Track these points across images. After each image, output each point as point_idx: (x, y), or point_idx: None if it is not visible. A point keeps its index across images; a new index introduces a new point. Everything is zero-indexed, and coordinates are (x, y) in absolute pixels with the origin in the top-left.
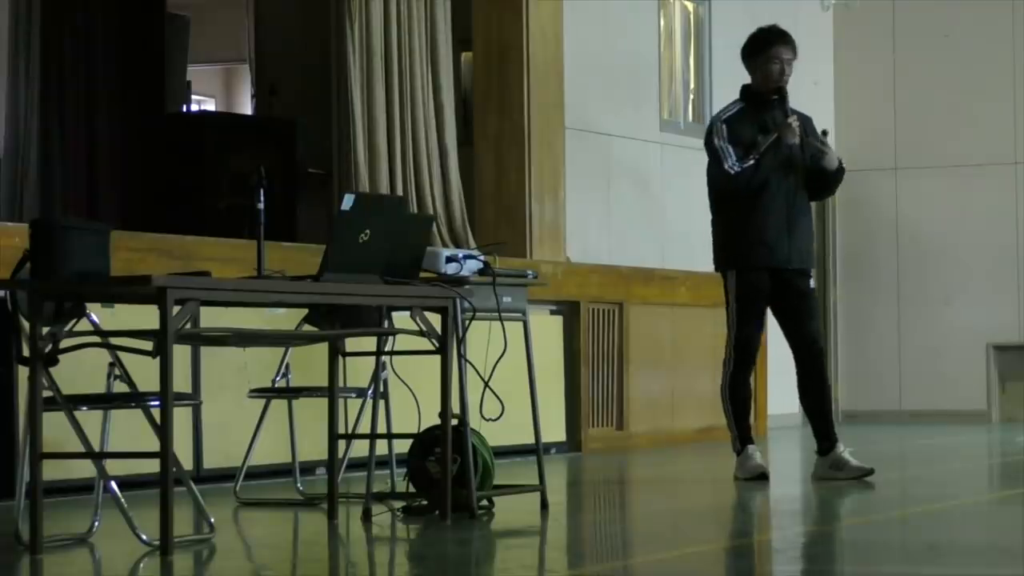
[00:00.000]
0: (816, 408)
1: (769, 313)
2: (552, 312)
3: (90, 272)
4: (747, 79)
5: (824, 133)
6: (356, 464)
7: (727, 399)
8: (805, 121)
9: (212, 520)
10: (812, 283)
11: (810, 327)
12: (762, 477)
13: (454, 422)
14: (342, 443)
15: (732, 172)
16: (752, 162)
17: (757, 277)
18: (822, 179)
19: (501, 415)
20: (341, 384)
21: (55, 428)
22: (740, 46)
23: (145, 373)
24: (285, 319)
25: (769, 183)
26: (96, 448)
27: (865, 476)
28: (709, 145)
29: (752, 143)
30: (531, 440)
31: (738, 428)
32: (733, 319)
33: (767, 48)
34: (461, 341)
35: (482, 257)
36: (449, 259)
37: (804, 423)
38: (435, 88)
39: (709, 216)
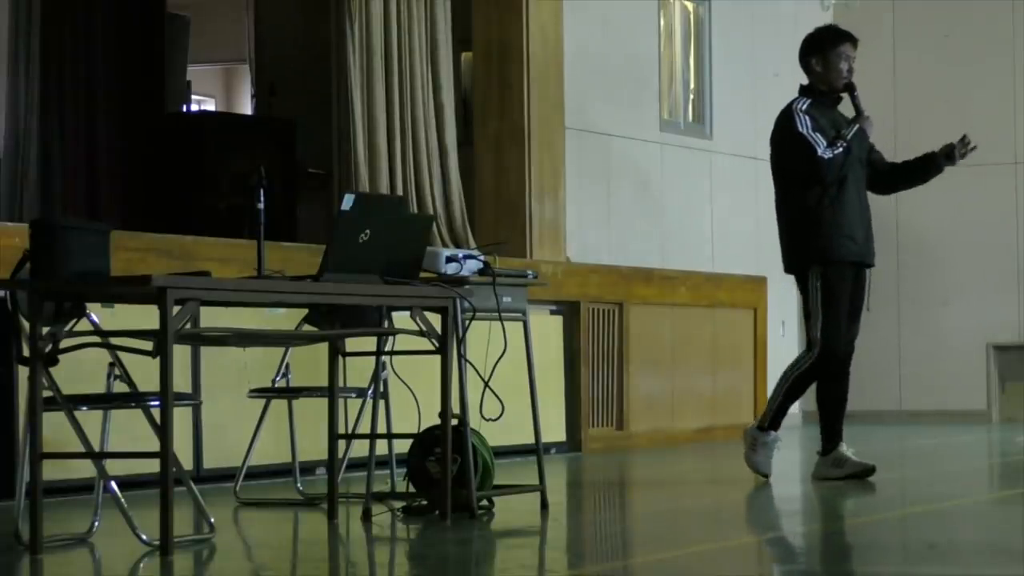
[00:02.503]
0: (834, 406)
1: (780, 315)
2: (552, 312)
3: (90, 272)
4: (748, 79)
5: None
6: (356, 464)
7: (787, 392)
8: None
9: (212, 520)
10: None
11: (857, 326)
12: (865, 473)
13: (454, 422)
14: (342, 443)
15: (826, 158)
16: (842, 148)
17: (845, 271)
18: (910, 178)
19: (501, 415)
20: (341, 384)
21: (55, 428)
22: (740, 46)
23: (145, 373)
24: (285, 319)
25: (847, 177)
26: (96, 448)
27: (867, 473)
28: (788, 136)
29: (834, 134)
30: (531, 440)
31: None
32: (819, 318)
33: (837, 45)
34: (461, 341)
35: (482, 257)
36: (449, 259)
37: (804, 423)
38: (435, 88)
39: (702, 215)
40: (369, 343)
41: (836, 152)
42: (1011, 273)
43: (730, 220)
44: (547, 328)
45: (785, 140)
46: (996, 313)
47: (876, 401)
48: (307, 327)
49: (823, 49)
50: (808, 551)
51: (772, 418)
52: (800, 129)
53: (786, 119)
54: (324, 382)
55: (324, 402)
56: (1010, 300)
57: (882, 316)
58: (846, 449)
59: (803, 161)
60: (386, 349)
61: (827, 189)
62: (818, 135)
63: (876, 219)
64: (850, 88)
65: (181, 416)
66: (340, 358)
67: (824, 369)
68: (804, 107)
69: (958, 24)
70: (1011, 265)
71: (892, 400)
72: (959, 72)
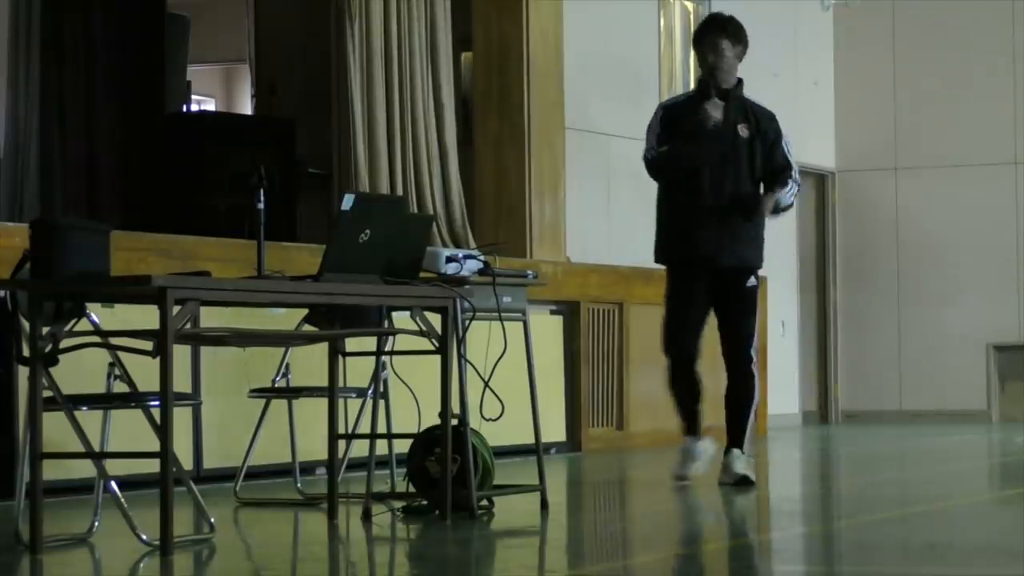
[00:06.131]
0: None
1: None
2: (552, 312)
3: (90, 272)
4: (747, 79)
5: (768, 192)
6: (356, 464)
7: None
8: (764, 118)
9: (212, 520)
10: (753, 281)
11: (730, 334)
12: (740, 482)
13: (454, 422)
14: (342, 443)
15: (648, 158)
16: (654, 154)
17: (676, 271)
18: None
19: (501, 415)
20: (341, 384)
21: (55, 428)
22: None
23: (145, 373)
24: (285, 319)
25: (698, 174)
26: (96, 448)
27: (742, 484)
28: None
29: (687, 133)
30: (531, 440)
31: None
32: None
33: (702, 36)
34: (461, 341)
35: (482, 257)
36: (449, 259)
37: (805, 423)
38: (435, 88)
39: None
40: (369, 343)
41: (652, 156)
42: (1011, 273)
43: None
44: (547, 328)
45: None
46: (996, 313)
47: (876, 401)
48: (307, 327)
49: (695, 41)
50: (808, 551)
51: (685, 425)
52: (648, 124)
53: None
54: (324, 382)
55: (324, 402)
56: (1010, 300)
57: (882, 316)
58: (737, 456)
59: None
60: (386, 349)
61: (668, 187)
62: (651, 135)
63: (877, 219)
64: (715, 84)
65: (181, 416)
66: (340, 358)
67: (669, 369)
68: (668, 102)
69: (958, 24)
70: (1011, 265)
71: (892, 400)
72: (959, 72)
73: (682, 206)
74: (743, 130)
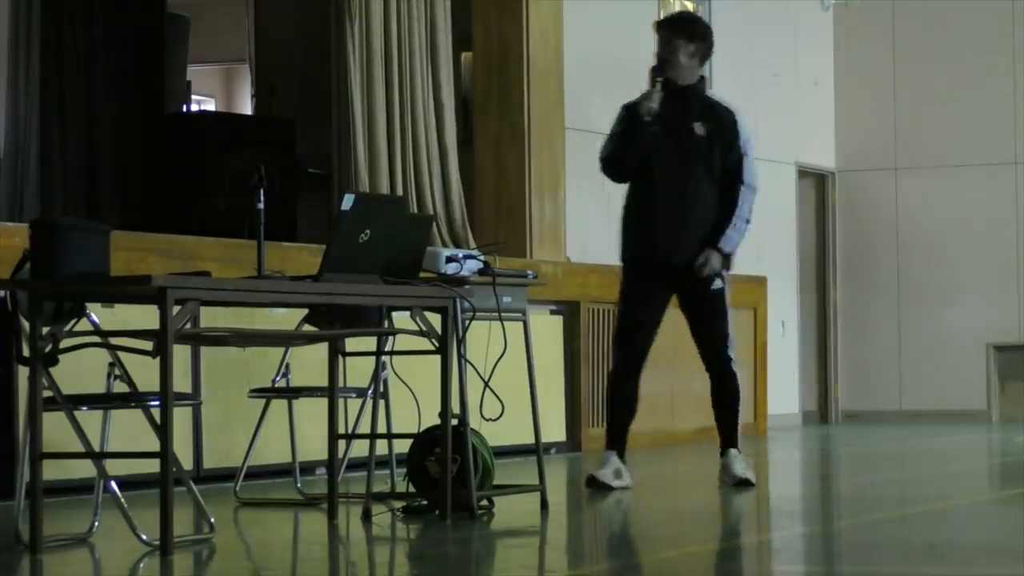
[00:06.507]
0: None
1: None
2: (552, 312)
3: (90, 272)
4: (748, 79)
5: (703, 264)
6: (356, 464)
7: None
8: (723, 117)
9: (212, 520)
10: (719, 284)
11: (704, 339)
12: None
13: (454, 422)
14: (342, 443)
15: (601, 156)
16: (606, 152)
17: (627, 268)
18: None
19: (501, 415)
20: (341, 384)
21: (55, 428)
22: (740, 46)
23: (145, 373)
24: (285, 319)
25: (650, 171)
26: (96, 448)
27: (742, 485)
28: None
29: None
30: (531, 440)
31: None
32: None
33: (657, 29)
34: (461, 341)
35: (482, 257)
36: (449, 259)
37: (805, 423)
38: (435, 88)
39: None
40: (369, 343)
41: (604, 154)
42: (1011, 273)
43: None
44: (547, 328)
45: None
46: (996, 313)
47: (876, 401)
48: (307, 327)
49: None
50: (808, 551)
51: (611, 439)
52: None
53: None
54: (324, 382)
55: (324, 402)
56: (1010, 300)
57: (882, 316)
58: (735, 457)
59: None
60: (386, 349)
61: (630, 185)
62: (610, 134)
63: (877, 219)
64: (652, 72)
65: (181, 416)
66: (340, 358)
67: (613, 373)
68: (630, 102)
69: (958, 24)
70: (1011, 265)
71: (892, 400)
72: (959, 72)
73: (640, 204)
74: (700, 128)
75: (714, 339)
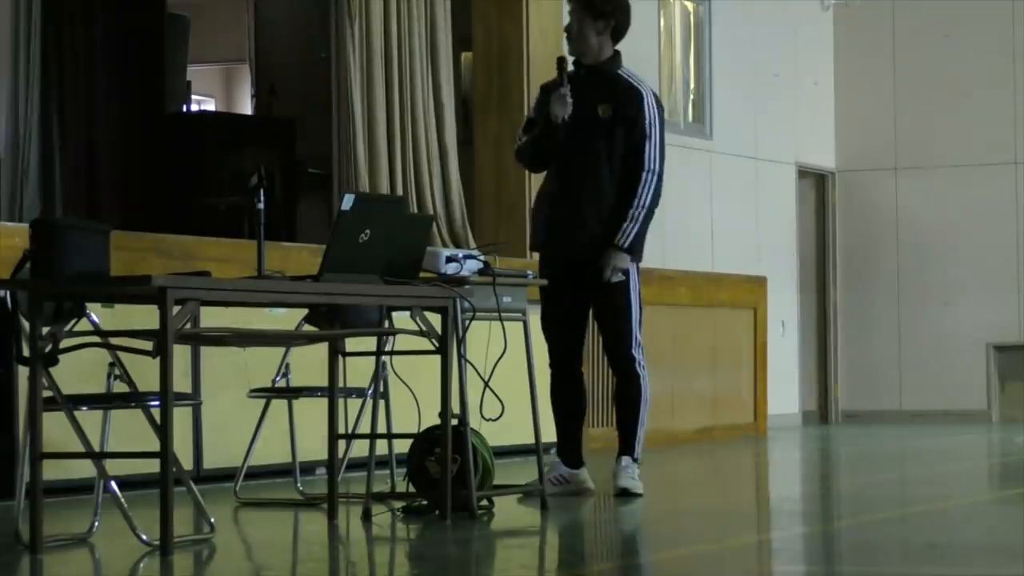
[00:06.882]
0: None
1: (780, 315)
2: None
3: (90, 272)
4: (748, 79)
5: (607, 268)
6: (356, 464)
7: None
8: (628, 97)
9: (212, 520)
10: (619, 276)
11: (610, 338)
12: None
13: (454, 422)
14: (342, 443)
15: (515, 145)
16: (520, 141)
17: (544, 262)
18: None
19: (501, 415)
20: (341, 384)
21: (55, 428)
22: (740, 46)
23: (145, 373)
24: (285, 319)
25: (559, 161)
26: (96, 448)
27: (624, 496)
28: None
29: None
30: (531, 440)
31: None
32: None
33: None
34: (461, 341)
35: (482, 257)
36: (449, 259)
37: (805, 423)
38: (435, 88)
39: (702, 215)
40: (369, 343)
41: (518, 143)
42: (1011, 273)
43: (730, 220)
44: None
45: None
46: (996, 313)
47: (876, 401)
48: (307, 327)
49: None
50: (808, 551)
51: (561, 447)
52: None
53: None
54: (324, 382)
55: (324, 402)
56: (1010, 300)
57: (882, 316)
58: (624, 466)
59: None
60: (386, 349)
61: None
62: (529, 119)
63: (877, 219)
64: (558, 63)
65: (181, 416)
66: (340, 358)
67: (550, 372)
68: (546, 81)
69: (958, 24)
70: (1011, 265)
71: (892, 400)
72: (959, 72)
73: (542, 193)
74: (603, 110)
75: (615, 335)
